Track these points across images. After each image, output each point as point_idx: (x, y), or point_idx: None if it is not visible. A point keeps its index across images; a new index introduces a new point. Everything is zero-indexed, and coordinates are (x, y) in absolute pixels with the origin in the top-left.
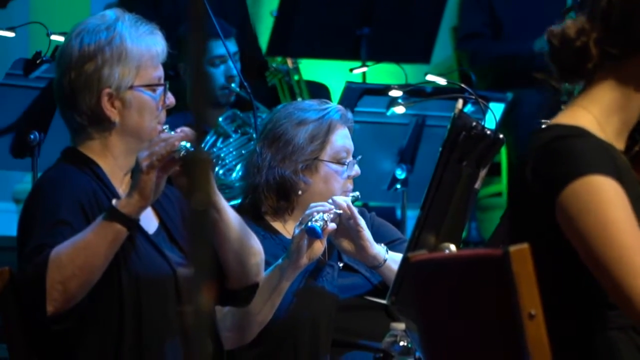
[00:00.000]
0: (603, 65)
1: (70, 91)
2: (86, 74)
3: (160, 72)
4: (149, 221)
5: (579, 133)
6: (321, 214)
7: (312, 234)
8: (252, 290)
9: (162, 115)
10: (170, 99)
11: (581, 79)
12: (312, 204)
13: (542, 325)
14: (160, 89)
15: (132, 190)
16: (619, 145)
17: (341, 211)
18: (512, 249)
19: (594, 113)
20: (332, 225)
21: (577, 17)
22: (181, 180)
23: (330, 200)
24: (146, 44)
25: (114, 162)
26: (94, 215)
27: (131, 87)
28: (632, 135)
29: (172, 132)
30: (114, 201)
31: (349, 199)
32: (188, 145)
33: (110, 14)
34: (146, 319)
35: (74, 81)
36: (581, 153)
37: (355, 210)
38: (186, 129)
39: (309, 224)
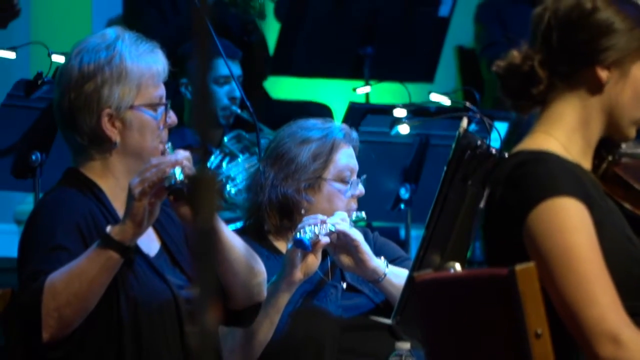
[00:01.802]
0: (554, 85)
1: (70, 111)
2: (86, 93)
3: (161, 90)
4: (150, 243)
5: (543, 157)
6: (312, 226)
7: (300, 245)
8: (255, 310)
9: (164, 135)
10: (172, 118)
11: (534, 104)
12: (306, 217)
13: (548, 344)
14: (161, 108)
15: (125, 218)
16: (586, 164)
17: (335, 228)
18: (518, 268)
19: (556, 136)
20: (325, 240)
21: (522, 47)
22: (180, 208)
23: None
24: (146, 63)
25: (115, 182)
26: (92, 239)
27: (132, 107)
28: (599, 153)
29: (173, 152)
30: (108, 228)
31: (344, 215)
32: (177, 172)
33: (111, 32)
34: (146, 344)
35: (73, 101)
36: (546, 176)
37: (344, 228)
38: (180, 155)
39: (297, 235)
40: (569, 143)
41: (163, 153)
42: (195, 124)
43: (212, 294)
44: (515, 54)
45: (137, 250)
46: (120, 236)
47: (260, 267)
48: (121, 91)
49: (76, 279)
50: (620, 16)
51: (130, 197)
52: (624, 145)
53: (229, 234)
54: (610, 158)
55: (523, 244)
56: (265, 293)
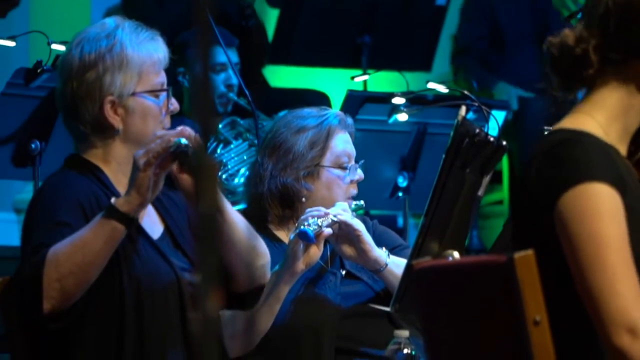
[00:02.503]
0: (604, 70)
1: (73, 101)
2: (88, 82)
3: (162, 77)
4: (154, 226)
5: (583, 138)
6: (315, 218)
7: (304, 237)
8: (257, 293)
9: (166, 121)
10: (174, 104)
11: (582, 86)
12: (308, 209)
13: (547, 331)
14: (163, 95)
15: (130, 188)
16: (622, 149)
17: (337, 219)
18: (517, 255)
19: (597, 119)
20: (327, 231)
21: (576, 26)
22: (183, 178)
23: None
24: (147, 50)
25: (117, 168)
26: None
27: (133, 94)
28: (635, 140)
29: None
30: (112, 199)
31: (345, 206)
32: (183, 140)
33: (110, 21)
34: (148, 325)
35: (75, 90)
36: (583, 159)
37: (347, 218)
38: (186, 128)
39: (301, 227)
40: (609, 127)
41: None
42: (197, 113)
43: (214, 279)
44: (568, 33)
45: (141, 231)
46: (125, 207)
47: (264, 249)
48: (123, 79)
49: (79, 249)
50: None
51: (135, 168)
52: None
53: (234, 214)
54: None
55: (551, 222)
56: (268, 276)
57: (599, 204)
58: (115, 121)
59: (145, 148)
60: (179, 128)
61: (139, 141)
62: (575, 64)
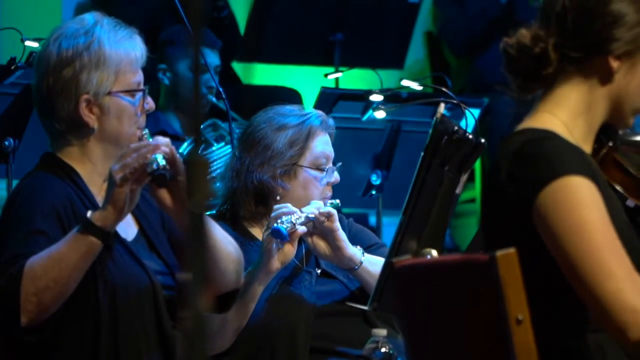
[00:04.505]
0: (564, 69)
1: (48, 97)
2: (64, 80)
3: (139, 76)
4: (128, 227)
5: (551, 136)
6: (289, 216)
7: (277, 235)
8: (232, 296)
9: (142, 120)
10: (150, 104)
11: (540, 86)
12: (276, 206)
13: (529, 330)
14: (139, 94)
15: (106, 203)
16: (586, 148)
17: (312, 215)
18: (499, 253)
19: (560, 117)
20: (301, 229)
21: (531, 25)
22: (159, 193)
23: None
24: (125, 49)
25: (92, 168)
26: (70, 224)
27: (109, 93)
28: (598, 138)
29: (151, 139)
30: (88, 213)
31: (320, 204)
32: (159, 158)
33: (89, 18)
34: (123, 330)
35: (51, 87)
36: (555, 155)
37: (330, 211)
38: (160, 140)
39: (274, 225)
40: (573, 126)
41: (141, 139)
42: (189, 111)
43: (204, 277)
44: (524, 33)
45: (115, 234)
46: (101, 222)
47: (239, 253)
48: (99, 77)
49: (56, 264)
50: (633, 7)
51: (112, 183)
52: (620, 132)
53: (209, 222)
54: (610, 144)
55: (527, 222)
56: (242, 280)
57: (578, 195)
58: (91, 120)
59: (122, 162)
60: (156, 141)
61: (115, 140)
62: (534, 63)
